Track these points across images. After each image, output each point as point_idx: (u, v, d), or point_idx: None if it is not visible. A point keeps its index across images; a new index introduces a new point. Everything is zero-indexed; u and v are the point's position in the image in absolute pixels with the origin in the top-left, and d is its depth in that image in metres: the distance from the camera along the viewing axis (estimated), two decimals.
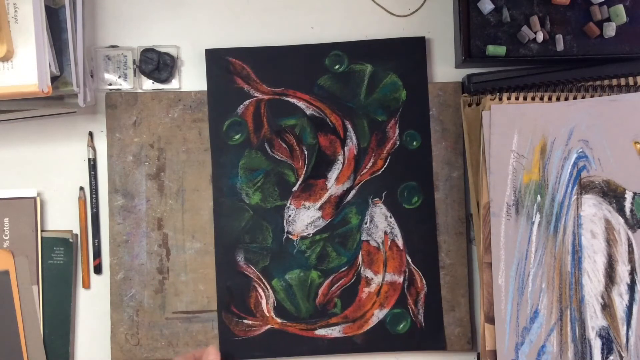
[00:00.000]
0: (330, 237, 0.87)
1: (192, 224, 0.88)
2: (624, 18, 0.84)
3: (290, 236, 0.87)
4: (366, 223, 0.87)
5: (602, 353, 0.80)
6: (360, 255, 0.87)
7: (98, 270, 0.88)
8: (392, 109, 0.88)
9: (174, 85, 0.89)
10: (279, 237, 0.87)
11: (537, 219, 0.81)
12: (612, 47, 0.85)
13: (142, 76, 0.89)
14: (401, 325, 0.86)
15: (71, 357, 0.88)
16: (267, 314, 0.86)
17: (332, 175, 0.87)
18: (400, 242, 0.87)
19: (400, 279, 0.86)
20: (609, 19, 0.85)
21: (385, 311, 0.86)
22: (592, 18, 0.85)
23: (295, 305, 0.86)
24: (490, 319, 0.81)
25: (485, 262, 0.82)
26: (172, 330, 0.87)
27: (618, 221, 0.81)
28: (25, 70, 0.76)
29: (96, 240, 0.88)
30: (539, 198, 0.81)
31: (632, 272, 0.81)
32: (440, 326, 0.86)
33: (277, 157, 0.87)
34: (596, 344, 0.80)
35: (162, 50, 0.89)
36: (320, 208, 0.87)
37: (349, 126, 0.87)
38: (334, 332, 0.86)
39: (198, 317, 0.87)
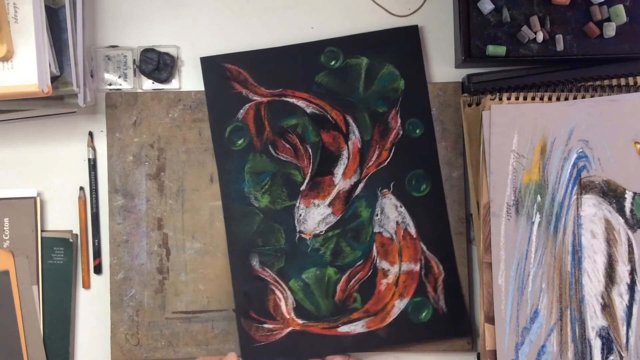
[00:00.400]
0: (342, 232, 0.87)
1: (192, 224, 0.88)
2: (624, 18, 0.84)
3: (302, 235, 0.87)
4: (377, 215, 0.87)
5: (602, 353, 0.80)
6: (374, 248, 0.87)
7: (98, 270, 0.88)
8: (391, 99, 0.88)
9: (174, 85, 0.89)
10: (292, 237, 0.87)
11: (537, 219, 0.81)
12: (612, 47, 0.85)
13: (142, 76, 0.89)
14: (423, 314, 0.86)
15: (71, 357, 0.88)
16: (288, 316, 0.86)
17: (339, 170, 0.87)
18: (412, 230, 0.87)
19: (417, 267, 0.86)
20: (609, 19, 0.85)
21: (405, 301, 0.86)
22: (592, 18, 0.85)
23: (314, 304, 0.86)
24: (490, 319, 0.81)
25: (485, 262, 0.82)
26: (172, 330, 0.87)
27: (618, 221, 0.81)
28: (25, 70, 0.76)
29: (96, 240, 0.88)
30: (539, 198, 0.81)
31: (632, 272, 0.81)
32: (463, 311, 0.86)
33: (282, 158, 0.87)
34: (596, 344, 0.80)
35: (162, 50, 0.89)
36: (330, 204, 0.87)
37: (350, 120, 0.87)
38: (357, 327, 0.86)
39: (198, 317, 0.87)
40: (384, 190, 0.87)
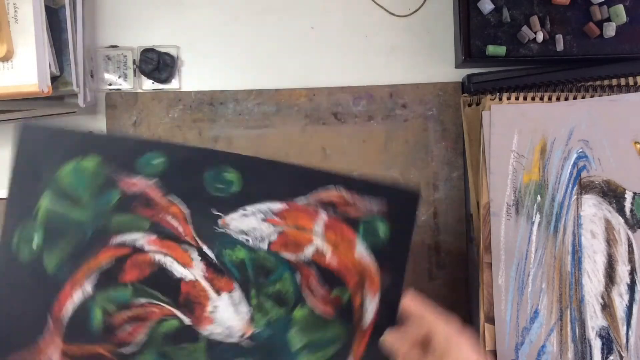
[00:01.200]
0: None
1: None
2: (624, 18, 0.84)
3: None
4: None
5: (602, 353, 0.80)
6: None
7: None
8: None
9: (174, 85, 0.89)
10: None
11: (537, 219, 0.81)
12: (612, 47, 0.85)
13: (142, 76, 0.89)
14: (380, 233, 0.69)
15: None
16: None
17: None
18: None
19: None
20: (609, 19, 0.85)
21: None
22: (592, 18, 0.85)
23: None
24: (490, 319, 0.81)
25: (485, 262, 0.82)
26: None
27: (618, 221, 0.81)
28: (25, 70, 0.76)
29: None
30: (539, 198, 0.81)
31: (632, 272, 0.81)
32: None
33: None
34: (596, 344, 0.80)
35: (162, 50, 0.89)
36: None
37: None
38: None
39: None
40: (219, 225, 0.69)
